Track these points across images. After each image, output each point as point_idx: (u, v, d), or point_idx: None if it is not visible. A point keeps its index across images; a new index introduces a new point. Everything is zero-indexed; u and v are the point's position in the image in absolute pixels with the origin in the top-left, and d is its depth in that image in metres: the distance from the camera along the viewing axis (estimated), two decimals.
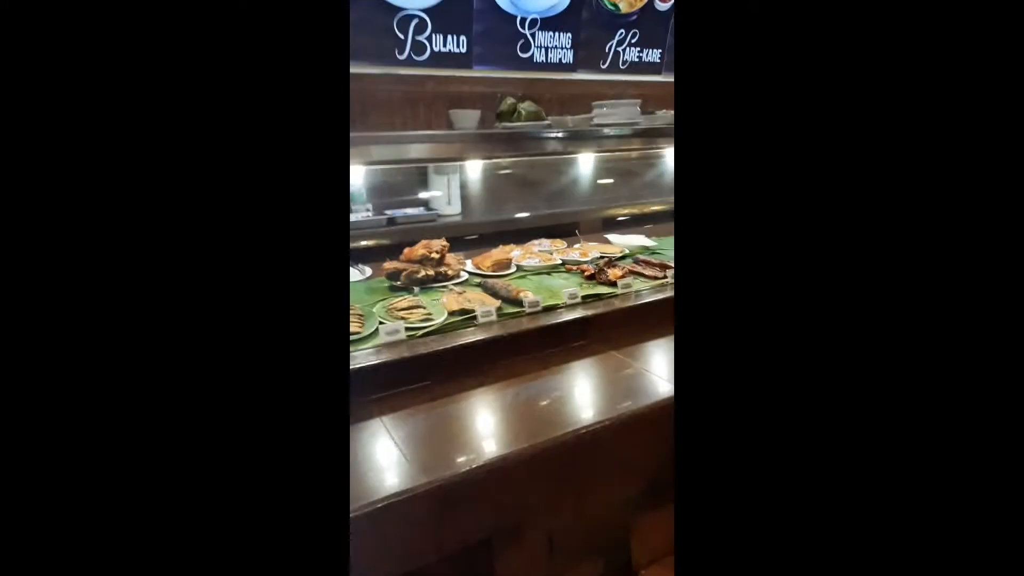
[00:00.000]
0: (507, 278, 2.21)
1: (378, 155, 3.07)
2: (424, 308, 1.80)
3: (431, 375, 1.55)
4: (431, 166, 3.62)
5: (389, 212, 3.53)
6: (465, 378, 1.57)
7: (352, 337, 1.56)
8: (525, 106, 2.24)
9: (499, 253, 2.31)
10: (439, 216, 3.63)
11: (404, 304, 1.80)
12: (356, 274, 2.25)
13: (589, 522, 1.51)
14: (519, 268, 2.31)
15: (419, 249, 2.04)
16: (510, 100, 2.29)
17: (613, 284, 2.06)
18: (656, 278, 2.18)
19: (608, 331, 1.85)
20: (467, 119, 2.36)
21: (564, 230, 4.07)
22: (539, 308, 1.84)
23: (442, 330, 1.68)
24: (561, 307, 1.89)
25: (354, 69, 3.61)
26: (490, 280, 2.06)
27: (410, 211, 3.55)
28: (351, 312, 1.67)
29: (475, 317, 1.73)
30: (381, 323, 1.66)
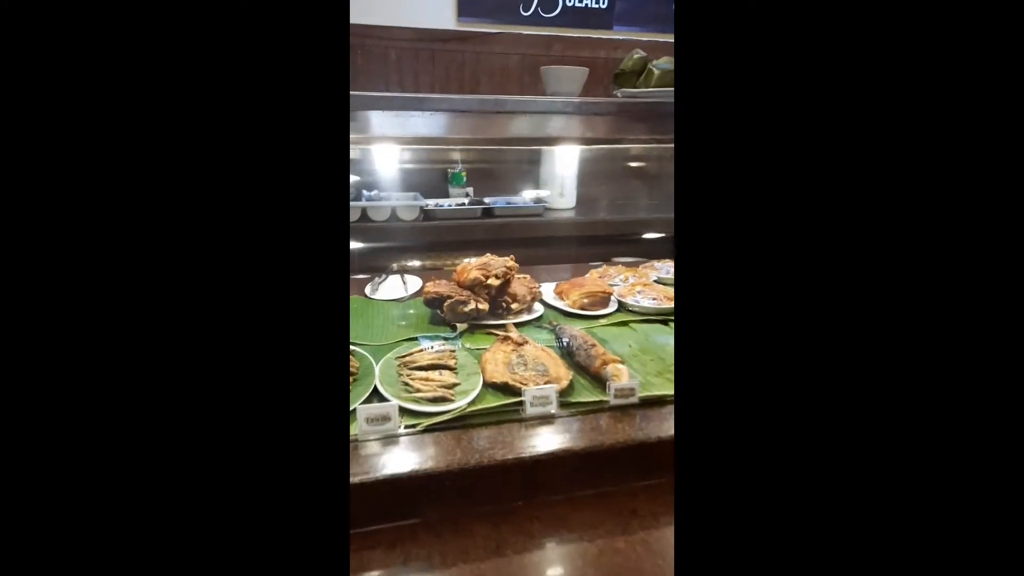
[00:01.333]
0: (600, 321, 1.51)
1: (462, 129, 2.49)
2: (452, 370, 1.18)
3: (428, 507, 0.93)
4: (544, 147, 2.96)
5: (489, 200, 2.96)
6: (491, 523, 0.93)
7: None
8: (661, 64, 1.47)
9: (594, 283, 1.60)
10: (547, 209, 2.97)
11: (425, 360, 1.20)
12: (393, 288, 1.69)
13: None
14: (622, 307, 1.59)
15: (473, 270, 1.42)
16: (638, 54, 1.53)
17: None
18: None
19: None
20: (566, 79, 1.64)
21: None
22: (633, 399, 1.12)
23: (468, 418, 1.05)
24: (671, 399, 1.15)
25: (465, 26, 3.07)
26: (567, 329, 1.37)
27: (514, 200, 2.95)
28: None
29: (521, 404, 1.07)
30: (377, 391, 1.09)
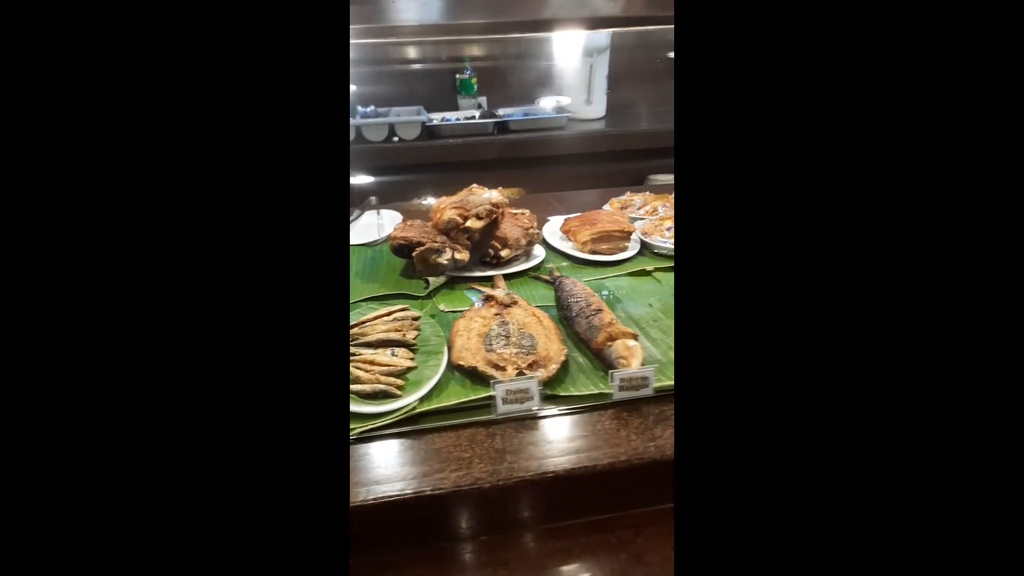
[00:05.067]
0: (616, 269, 1.18)
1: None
2: (411, 347, 0.91)
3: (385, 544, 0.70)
4: (559, 45, 2.48)
5: (503, 112, 2.54)
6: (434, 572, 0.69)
7: None
8: None
9: (610, 218, 1.25)
10: (571, 119, 2.53)
11: (375, 334, 0.92)
12: (367, 229, 1.38)
13: None
14: (645, 248, 1.25)
15: (448, 210, 1.10)
16: None
17: None
18: None
19: None
20: None
21: None
22: (646, 390, 0.82)
23: (419, 420, 0.79)
24: None
25: None
26: (569, 283, 1.05)
27: (533, 111, 2.52)
28: None
29: (493, 399, 0.79)
30: None
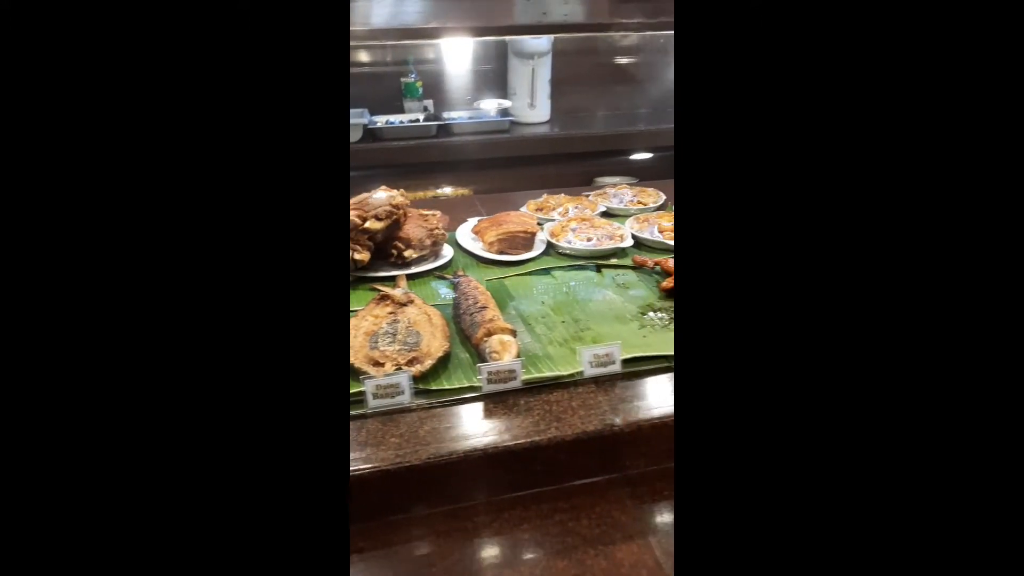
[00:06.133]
0: (518, 269, 1.22)
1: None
2: None
3: None
4: (511, 50, 2.52)
5: (447, 115, 2.57)
6: None
7: None
8: None
9: (516, 220, 1.29)
10: (514, 123, 2.58)
11: None
12: None
13: None
14: (551, 248, 1.29)
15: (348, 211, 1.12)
16: None
17: None
18: None
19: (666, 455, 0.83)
20: None
21: None
22: (514, 383, 0.86)
23: None
24: (568, 381, 0.88)
25: None
26: (465, 283, 1.09)
27: (477, 114, 2.55)
28: None
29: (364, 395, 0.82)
30: None
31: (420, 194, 2.49)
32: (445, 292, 1.14)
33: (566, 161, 2.65)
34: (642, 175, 2.52)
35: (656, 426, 0.80)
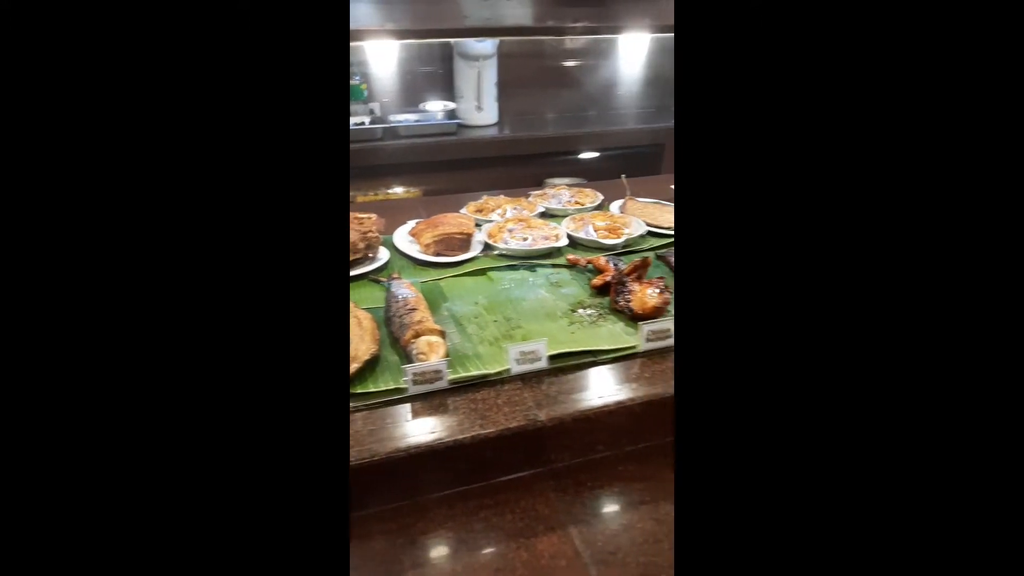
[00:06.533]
0: (455, 270, 1.23)
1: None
2: None
3: None
4: (456, 52, 2.53)
5: (393, 118, 2.56)
6: None
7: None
8: None
9: (453, 221, 1.30)
10: (461, 126, 2.58)
11: None
12: None
13: None
14: (488, 249, 1.30)
15: None
16: None
17: (640, 318, 1.00)
18: None
19: (590, 449, 0.85)
20: None
21: (639, 159, 2.83)
22: (440, 383, 0.86)
23: None
24: (495, 379, 0.90)
25: None
26: (398, 285, 1.09)
27: (424, 117, 2.54)
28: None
29: None
30: None
31: (368, 196, 2.47)
32: (381, 296, 1.14)
33: (515, 163, 2.68)
34: (591, 176, 2.57)
35: (578, 419, 0.82)
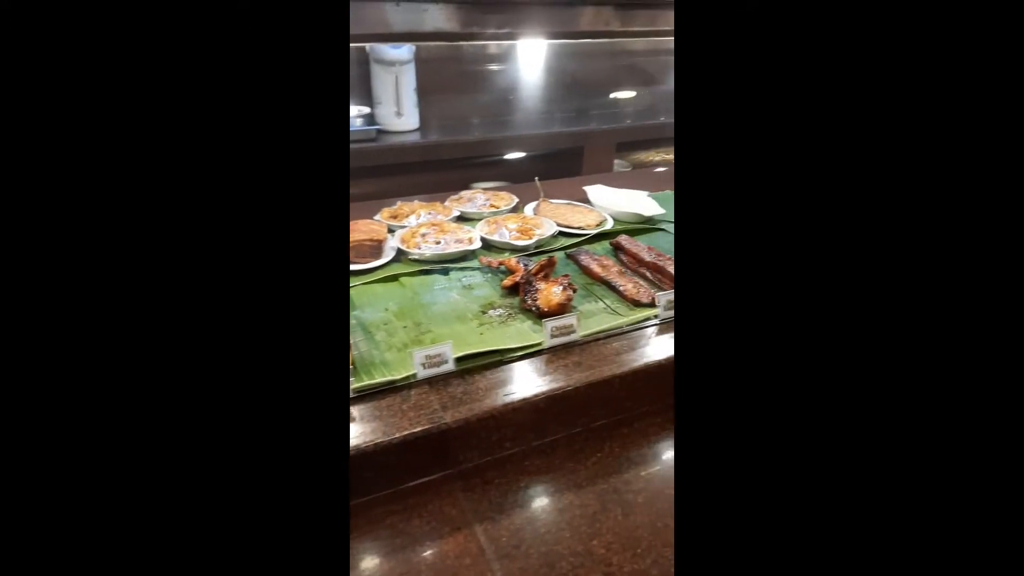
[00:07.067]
0: (368, 276, 1.21)
1: None
2: None
3: None
4: (372, 58, 2.50)
5: None
6: None
7: None
8: None
9: (364, 228, 1.28)
10: (381, 132, 2.55)
11: None
12: None
13: None
14: (401, 255, 1.30)
15: None
16: None
17: (546, 315, 1.02)
18: (640, 304, 1.11)
19: (494, 446, 0.86)
20: None
21: (560, 162, 2.91)
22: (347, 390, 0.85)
23: None
24: (401, 385, 0.89)
25: None
26: None
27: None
28: None
29: None
30: None
31: None
32: None
33: (440, 168, 2.67)
34: (515, 178, 2.60)
35: (483, 418, 0.83)
